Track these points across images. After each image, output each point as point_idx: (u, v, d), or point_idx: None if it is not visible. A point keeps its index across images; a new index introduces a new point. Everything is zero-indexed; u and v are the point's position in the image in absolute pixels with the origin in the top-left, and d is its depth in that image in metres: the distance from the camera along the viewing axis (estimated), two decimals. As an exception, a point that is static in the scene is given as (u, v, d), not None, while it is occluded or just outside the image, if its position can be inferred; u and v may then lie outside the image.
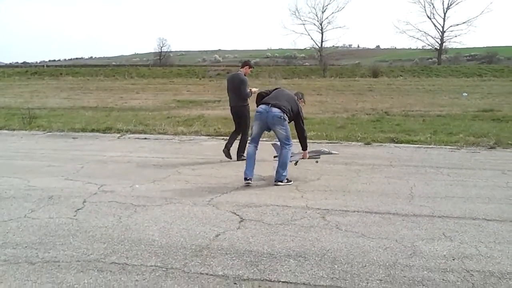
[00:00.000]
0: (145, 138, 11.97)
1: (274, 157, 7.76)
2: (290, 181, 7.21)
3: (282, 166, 7.13)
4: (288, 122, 7.19)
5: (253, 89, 9.05)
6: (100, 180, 7.35)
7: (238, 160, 8.90)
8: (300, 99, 7.63)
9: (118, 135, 12.52)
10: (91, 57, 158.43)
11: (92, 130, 13.15)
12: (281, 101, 7.14)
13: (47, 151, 10.19)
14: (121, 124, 13.76)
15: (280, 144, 7.30)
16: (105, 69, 60.90)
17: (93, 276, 3.94)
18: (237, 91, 9.04)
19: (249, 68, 9.42)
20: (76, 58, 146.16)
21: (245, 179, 7.11)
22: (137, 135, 12.41)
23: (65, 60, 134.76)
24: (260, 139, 7.54)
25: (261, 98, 7.50)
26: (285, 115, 7.06)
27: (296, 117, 7.25)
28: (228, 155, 9.04)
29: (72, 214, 5.64)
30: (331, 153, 7.52)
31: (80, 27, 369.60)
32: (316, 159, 7.54)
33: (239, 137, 9.29)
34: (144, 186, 7.00)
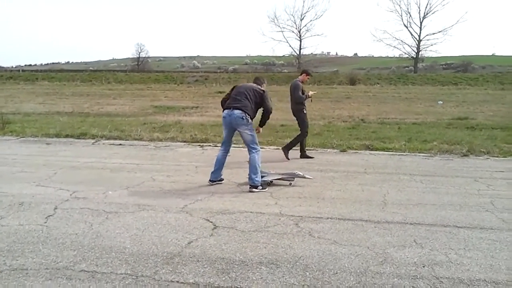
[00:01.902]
0: (120, 144, 11.86)
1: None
2: (265, 188, 7.24)
3: (252, 171, 7.18)
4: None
5: (310, 92, 10.21)
6: (72, 186, 7.25)
7: (283, 149, 10.12)
8: (263, 83, 7.86)
9: (93, 141, 12.39)
10: (68, 62, 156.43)
11: (67, 136, 12.98)
12: (242, 101, 7.33)
13: (19, 156, 10.03)
14: (96, 129, 13.62)
15: (247, 149, 7.39)
16: (82, 74, 60.25)
17: (62, 284, 3.88)
18: (291, 96, 10.18)
19: (306, 76, 10.40)
20: (53, 63, 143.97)
21: (209, 180, 7.51)
22: (112, 141, 12.29)
23: (41, 64, 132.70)
24: (232, 145, 7.67)
25: (224, 103, 7.62)
26: (246, 115, 7.23)
27: (262, 102, 7.49)
28: (305, 156, 10.15)
29: (43, 221, 5.55)
30: (305, 177, 7.55)
31: (58, 31, 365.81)
32: (290, 181, 7.56)
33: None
34: (117, 193, 6.92)
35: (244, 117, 7.23)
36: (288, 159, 9.93)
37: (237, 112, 7.25)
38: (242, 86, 7.71)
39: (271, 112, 7.61)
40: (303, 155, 10.14)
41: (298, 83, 10.20)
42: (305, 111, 10.25)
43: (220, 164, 7.53)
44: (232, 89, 7.73)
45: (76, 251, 4.58)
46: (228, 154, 7.68)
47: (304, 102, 10.17)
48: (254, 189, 7.12)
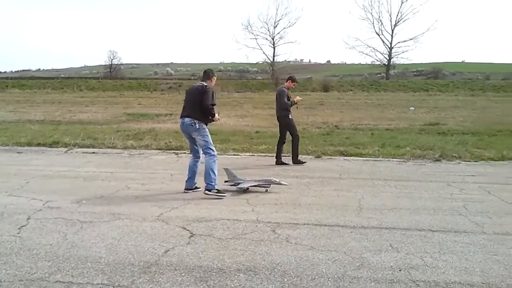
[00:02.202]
0: (94, 153, 11.71)
1: (225, 181, 7.77)
2: (224, 194, 7.24)
3: (206, 175, 7.26)
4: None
5: (297, 98, 10.42)
6: (45, 196, 7.12)
7: (294, 163, 10.10)
8: (212, 77, 7.69)
9: (66, 149, 12.20)
10: (39, 69, 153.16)
11: (38, 144, 12.76)
12: (188, 108, 7.44)
13: (-11, 166, 9.81)
14: (69, 138, 13.43)
15: (203, 153, 7.46)
16: (53, 82, 59.51)
17: (36, 296, 3.80)
18: (277, 102, 10.34)
19: (292, 82, 10.64)
20: (23, 70, 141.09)
21: (185, 188, 7.53)
22: (85, 149, 12.13)
23: (11, 72, 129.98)
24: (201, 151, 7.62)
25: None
26: (195, 120, 7.29)
27: (201, 98, 7.32)
28: (298, 162, 10.17)
29: (16, 231, 5.43)
30: (281, 184, 7.57)
31: (28, 37, 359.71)
32: (266, 188, 7.57)
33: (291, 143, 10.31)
34: (91, 202, 6.83)
35: (193, 124, 7.31)
36: (304, 162, 10.21)
37: (187, 120, 7.38)
38: (189, 91, 7.72)
39: (208, 109, 7.36)
40: (279, 162, 10.17)
41: (284, 89, 10.41)
42: (290, 117, 10.34)
43: (192, 172, 7.53)
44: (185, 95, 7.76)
45: (51, 262, 4.49)
46: (201, 161, 7.62)
47: (289, 108, 10.28)
48: (208, 192, 7.21)
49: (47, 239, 5.15)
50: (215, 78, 7.81)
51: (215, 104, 7.46)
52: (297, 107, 10.81)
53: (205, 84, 7.47)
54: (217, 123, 7.92)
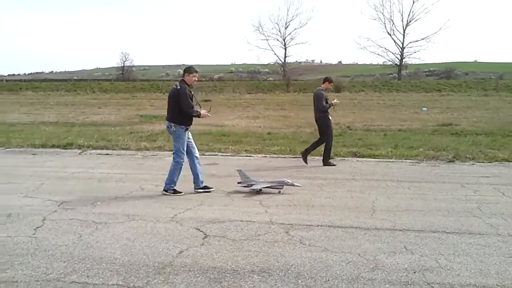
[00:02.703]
0: (107, 154, 11.79)
1: (238, 183, 7.80)
2: (181, 192, 7.51)
3: (167, 177, 7.56)
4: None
5: (334, 101, 10.56)
6: (60, 197, 7.20)
7: (324, 165, 10.15)
8: (189, 73, 7.61)
9: (79, 151, 12.30)
10: (52, 71, 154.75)
11: (53, 146, 12.87)
12: (170, 111, 7.60)
13: (5, 167, 9.92)
14: (83, 139, 13.54)
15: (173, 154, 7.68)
16: (66, 84, 59.88)
17: (52, 296, 3.85)
18: (315, 105, 10.50)
19: (329, 83, 10.76)
20: (37, 73, 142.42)
21: (194, 189, 7.67)
22: (99, 151, 12.21)
23: (25, 74, 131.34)
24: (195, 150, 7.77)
25: None
26: (173, 124, 7.49)
27: (178, 102, 7.41)
28: (305, 159, 10.31)
29: (31, 232, 5.50)
30: (294, 185, 7.57)
31: (41, 40, 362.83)
32: (279, 189, 7.58)
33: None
34: (106, 203, 6.89)
35: (171, 127, 7.54)
36: (334, 165, 10.24)
37: (167, 123, 7.64)
38: (169, 94, 7.73)
39: (187, 113, 7.44)
40: (326, 163, 10.25)
41: (321, 92, 10.45)
42: (330, 118, 10.55)
43: (193, 172, 7.67)
44: None
45: (66, 263, 4.54)
46: (197, 160, 7.74)
47: (327, 110, 10.41)
48: (165, 192, 7.52)
49: (62, 240, 5.20)
50: (194, 74, 7.66)
51: (193, 106, 7.48)
52: (334, 109, 10.79)
53: (178, 86, 7.48)
54: (215, 120, 7.98)
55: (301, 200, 7.06)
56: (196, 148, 7.82)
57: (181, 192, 7.50)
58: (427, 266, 4.49)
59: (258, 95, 44.38)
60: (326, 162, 10.25)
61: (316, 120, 10.62)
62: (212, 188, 7.69)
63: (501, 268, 4.46)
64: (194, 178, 7.67)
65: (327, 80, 10.82)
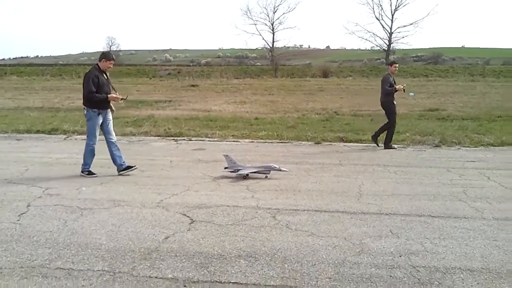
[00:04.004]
0: (93, 139, 11.64)
1: (225, 168, 7.78)
2: (94, 174, 7.69)
3: (83, 158, 7.76)
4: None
5: (399, 86, 10.50)
6: (45, 183, 7.13)
7: (385, 148, 10.39)
8: (103, 60, 7.85)
9: (65, 136, 12.18)
10: (37, 56, 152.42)
11: (37, 131, 12.74)
12: (82, 94, 7.75)
13: (-12, 153, 9.78)
14: (68, 125, 13.40)
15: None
16: (51, 69, 59.13)
17: (38, 282, 3.81)
18: (381, 88, 10.60)
19: (393, 66, 10.92)
20: (21, 57, 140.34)
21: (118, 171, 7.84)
22: (84, 136, 11.98)
23: (9, 59, 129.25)
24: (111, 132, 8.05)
25: None
26: (85, 108, 7.71)
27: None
28: (375, 141, 10.62)
29: (16, 218, 5.44)
30: (281, 170, 7.56)
31: (26, 24, 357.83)
32: (266, 174, 7.56)
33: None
34: (91, 189, 6.83)
35: (84, 110, 7.73)
36: (379, 146, 10.45)
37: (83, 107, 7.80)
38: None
39: (88, 97, 7.59)
40: (388, 146, 10.43)
41: (387, 76, 10.64)
42: (394, 102, 10.65)
43: (111, 157, 7.87)
44: None
45: (51, 249, 4.50)
46: (113, 144, 7.92)
47: (393, 94, 10.51)
48: (82, 173, 7.69)
49: (47, 226, 5.15)
50: (112, 62, 7.91)
51: (95, 91, 7.52)
52: (404, 91, 10.93)
53: (87, 71, 7.71)
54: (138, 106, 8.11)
55: (288, 185, 7.06)
56: (112, 133, 7.96)
57: (94, 174, 7.66)
58: (413, 249, 4.51)
59: (246, 80, 44.19)
60: (388, 145, 10.44)
61: (381, 104, 10.76)
62: (135, 166, 7.90)
63: (485, 251, 4.50)
64: (113, 162, 7.81)
65: (392, 63, 11.22)
